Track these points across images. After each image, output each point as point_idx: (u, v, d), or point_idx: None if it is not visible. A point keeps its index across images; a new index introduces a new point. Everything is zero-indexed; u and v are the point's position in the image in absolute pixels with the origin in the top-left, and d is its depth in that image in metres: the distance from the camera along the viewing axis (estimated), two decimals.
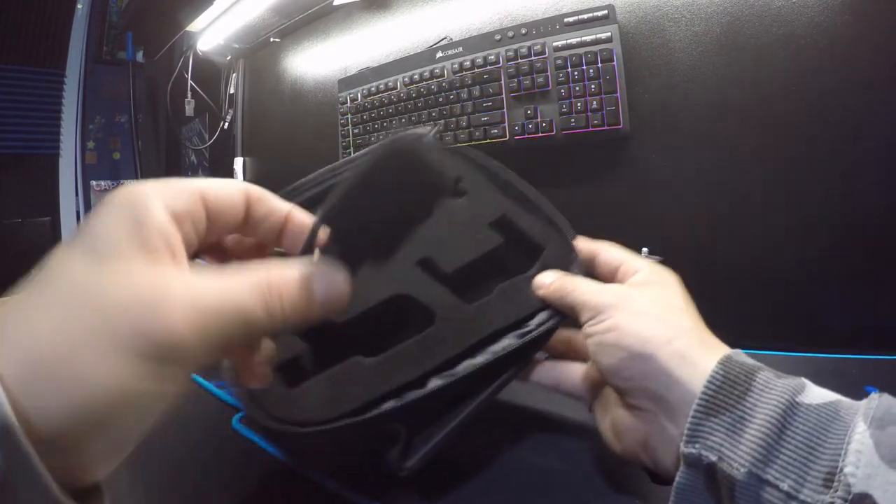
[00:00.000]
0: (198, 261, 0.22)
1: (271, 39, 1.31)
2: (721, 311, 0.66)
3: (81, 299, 0.16)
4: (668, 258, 0.50)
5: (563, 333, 0.36)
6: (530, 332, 0.31)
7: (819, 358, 0.55)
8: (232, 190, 0.21)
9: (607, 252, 0.35)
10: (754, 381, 0.23)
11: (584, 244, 0.37)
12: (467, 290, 0.33)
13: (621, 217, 0.74)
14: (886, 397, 0.22)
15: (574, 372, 0.34)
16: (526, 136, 0.77)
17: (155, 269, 0.17)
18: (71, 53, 1.90)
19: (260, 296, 0.18)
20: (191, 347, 0.16)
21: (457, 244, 0.34)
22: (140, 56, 1.96)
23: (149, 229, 0.17)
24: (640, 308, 0.28)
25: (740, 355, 0.25)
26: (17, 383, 0.14)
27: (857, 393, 0.46)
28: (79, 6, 1.88)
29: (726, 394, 0.23)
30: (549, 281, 0.33)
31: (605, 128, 0.71)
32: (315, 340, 0.30)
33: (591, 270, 0.35)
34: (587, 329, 0.29)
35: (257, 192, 0.23)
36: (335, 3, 1.10)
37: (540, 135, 0.76)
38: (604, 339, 0.28)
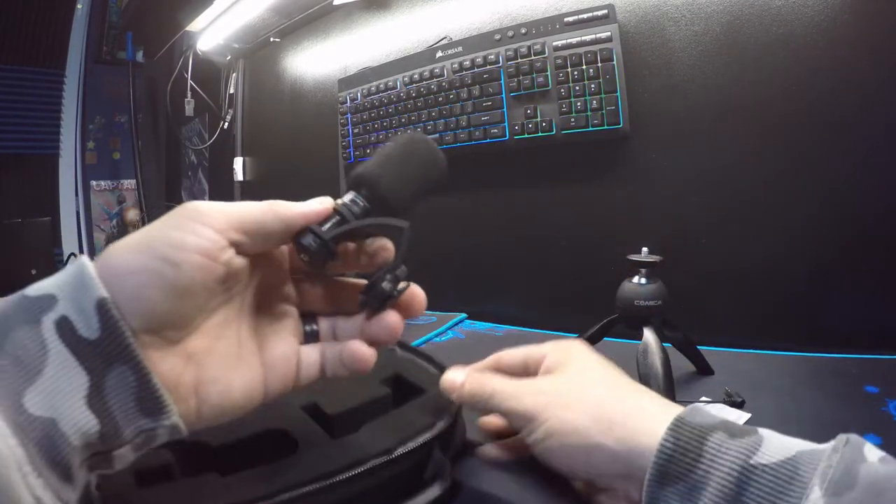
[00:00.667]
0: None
1: (271, 39, 1.31)
2: (721, 311, 0.66)
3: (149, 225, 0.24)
4: (668, 258, 0.50)
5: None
6: (396, 455, 0.30)
7: (819, 358, 0.55)
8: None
9: (508, 356, 0.34)
10: (706, 444, 0.23)
11: (481, 364, 0.35)
12: (344, 430, 0.33)
13: (621, 217, 0.74)
14: (851, 447, 0.21)
15: None
16: (526, 135, 0.77)
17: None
18: (71, 53, 1.90)
19: (268, 203, 0.26)
20: (217, 222, 0.24)
21: (345, 394, 0.36)
22: (140, 56, 1.95)
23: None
24: (570, 400, 0.27)
25: (694, 414, 0.25)
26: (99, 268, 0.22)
27: (857, 393, 0.46)
28: (79, 6, 1.88)
29: (678, 462, 0.23)
30: (459, 381, 0.32)
31: (605, 127, 0.71)
32: (182, 454, 0.31)
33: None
34: (526, 440, 0.28)
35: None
36: (335, 2, 1.10)
37: (540, 134, 0.76)
38: (548, 446, 0.26)
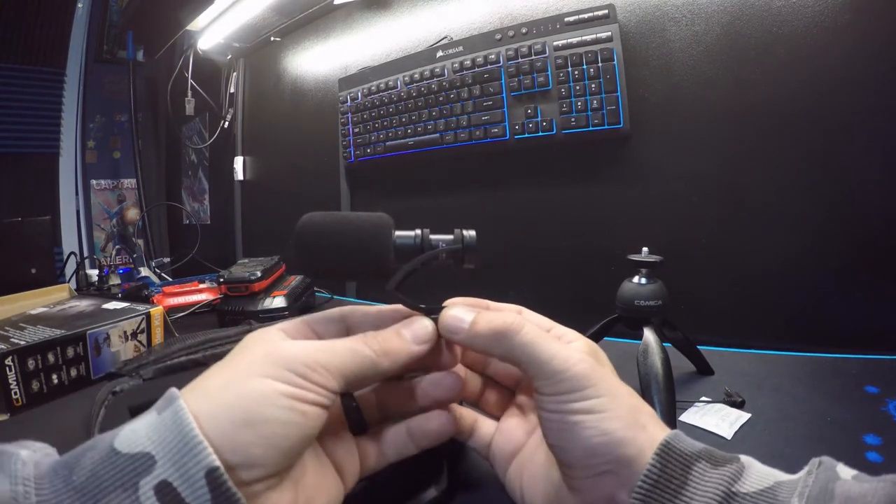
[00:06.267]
0: None
1: (272, 38, 1.31)
2: (721, 311, 0.66)
3: (238, 358, 0.24)
4: (668, 258, 0.50)
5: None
6: None
7: (819, 358, 0.55)
8: (329, 313, 0.29)
9: (529, 312, 0.31)
10: (691, 472, 0.23)
11: (484, 302, 0.32)
12: None
13: (621, 217, 0.74)
14: (825, 467, 0.22)
15: (484, 429, 0.32)
16: (526, 135, 0.77)
17: (283, 340, 0.26)
18: (71, 52, 1.90)
19: (363, 340, 0.26)
20: (310, 370, 0.23)
21: None
22: (140, 55, 1.96)
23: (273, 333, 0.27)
24: (615, 386, 0.25)
25: (679, 440, 0.24)
26: (201, 415, 0.21)
27: (857, 393, 0.46)
28: (79, 5, 1.88)
29: (663, 487, 0.22)
30: (468, 318, 0.28)
31: (606, 127, 0.71)
32: None
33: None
34: (561, 405, 0.25)
35: (349, 307, 0.30)
36: (336, 2, 1.10)
37: (540, 134, 0.76)
38: (585, 420, 0.24)
